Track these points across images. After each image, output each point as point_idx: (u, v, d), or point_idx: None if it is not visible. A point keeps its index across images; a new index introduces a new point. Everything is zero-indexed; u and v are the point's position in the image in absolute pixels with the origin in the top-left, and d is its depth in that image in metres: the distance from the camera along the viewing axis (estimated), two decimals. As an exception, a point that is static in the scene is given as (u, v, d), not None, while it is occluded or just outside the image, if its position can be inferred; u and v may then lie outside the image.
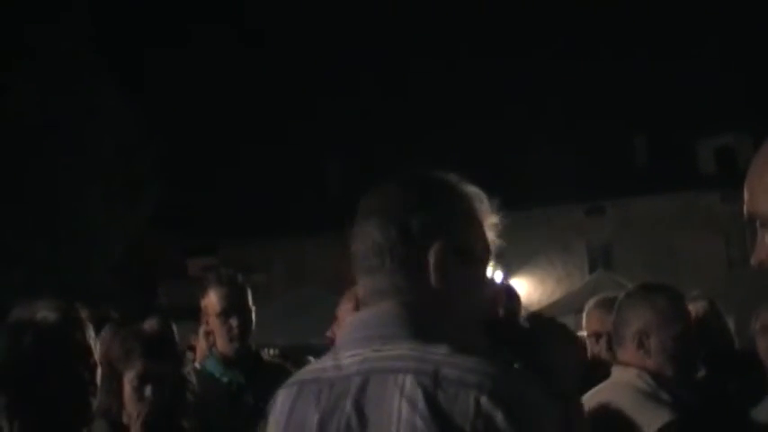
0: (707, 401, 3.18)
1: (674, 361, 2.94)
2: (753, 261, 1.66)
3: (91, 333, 2.47)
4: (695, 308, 4.48)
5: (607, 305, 4.13)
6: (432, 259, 1.72)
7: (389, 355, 1.65)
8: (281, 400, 1.78)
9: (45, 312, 2.41)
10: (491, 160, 28.27)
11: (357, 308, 3.49)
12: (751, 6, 34.78)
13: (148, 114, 25.97)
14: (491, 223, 1.83)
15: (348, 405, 1.65)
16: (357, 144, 35.37)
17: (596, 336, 4.22)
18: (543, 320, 2.03)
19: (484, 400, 1.56)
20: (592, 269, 30.16)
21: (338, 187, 36.60)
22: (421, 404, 1.57)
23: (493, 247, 1.83)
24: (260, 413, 3.54)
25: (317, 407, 1.69)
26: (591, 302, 4.42)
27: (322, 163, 36.96)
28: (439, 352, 1.63)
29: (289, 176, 35.42)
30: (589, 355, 4.25)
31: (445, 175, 1.83)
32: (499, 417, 1.55)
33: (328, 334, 3.87)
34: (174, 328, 6.20)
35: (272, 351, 15.73)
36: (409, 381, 1.60)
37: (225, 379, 3.84)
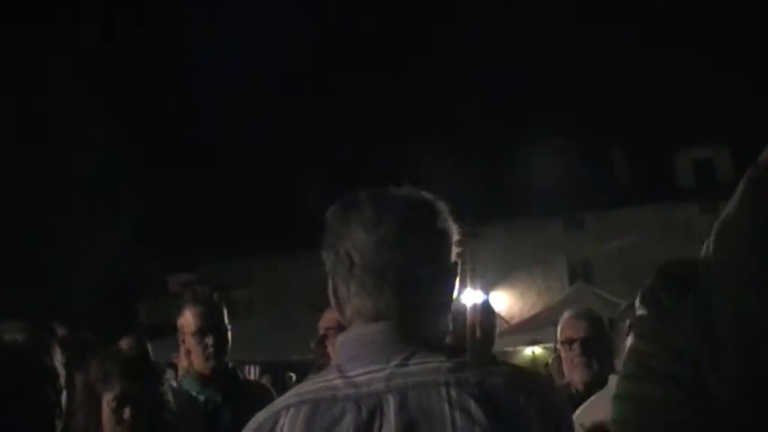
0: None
1: None
2: None
3: (58, 356, 2.46)
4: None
5: (580, 314, 4.40)
6: (416, 278, 1.73)
7: (422, 368, 1.66)
8: (289, 421, 1.71)
9: (12, 334, 2.39)
10: (470, 175, 28.35)
11: (335, 327, 3.51)
12: (729, 20, 35.07)
13: (128, 132, 25.92)
14: (457, 238, 1.85)
15: (389, 422, 1.63)
16: (336, 159, 35.37)
17: (570, 342, 4.29)
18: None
19: (536, 403, 1.62)
20: (571, 282, 30.23)
21: (318, 203, 36.55)
22: (476, 413, 1.59)
23: (459, 262, 1.85)
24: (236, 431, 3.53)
25: (342, 427, 1.65)
26: (565, 314, 4.51)
27: (301, 178, 36.94)
28: (468, 362, 1.66)
29: (268, 192, 35.38)
30: (563, 360, 4.34)
31: (417, 192, 1.86)
32: (550, 419, 1.63)
33: (312, 346, 3.87)
34: (152, 345, 6.17)
35: (252, 367, 15.73)
36: (455, 392, 1.61)
37: (201, 397, 3.83)
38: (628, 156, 35.69)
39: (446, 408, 1.60)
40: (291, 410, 1.72)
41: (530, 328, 20.00)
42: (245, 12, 40.43)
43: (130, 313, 27.71)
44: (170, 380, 4.26)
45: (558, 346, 4.51)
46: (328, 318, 3.62)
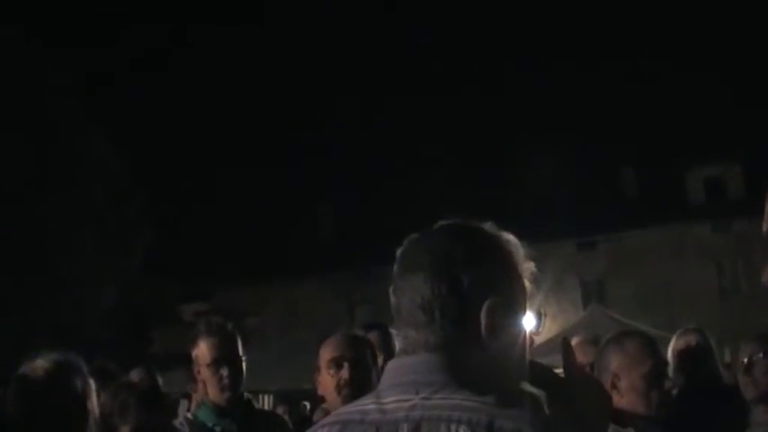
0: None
1: (645, 398, 3.07)
2: (764, 278, 1.66)
3: (89, 385, 2.47)
4: (687, 340, 4.54)
5: (589, 339, 4.55)
6: (481, 315, 1.73)
7: (442, 404, 1.66)
8: None
9: (46, 365, 2.43)
10: (482, 199, 28.36)
11: (335, 358, 3.51)
12: (739, 38, 35.12)
13: (138, 161, 26.07)
14: (528, 271, 1.86)
15: None
16: (348, 186, 35.46)
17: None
18: (580, 371, 2.06)
19: None
20: (585, 304, 30.16)
21: (330, 230, 36.62)
22: None
23: (529, 295, 1.85)
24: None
25: None
26: (575, 340, 4.54)
27: (314, 206, 37.02)
28: (491, 403, 1.65)
29: (281, 220, 35.48)
30: None
31: (485, 225, 1.86)
32: None
33: (316, 387, 3.85)
34: (167, 375, 6.15)
35: (266, 397, 15.68)
36: (462, 430, 1.61)
37: (217, 429, 3.82)
38: (637, 175, 35.67)
39: None
40: (326, 428, 1.78)
41: (545, 353, 19.91)
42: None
43: (145, 343, 27.72)
44: (185, 411, 4.25)
45: None
46: (327, 351, 3.61)
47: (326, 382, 3.53)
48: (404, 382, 1.73)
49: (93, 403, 2.47)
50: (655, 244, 33.29)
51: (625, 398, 3.06)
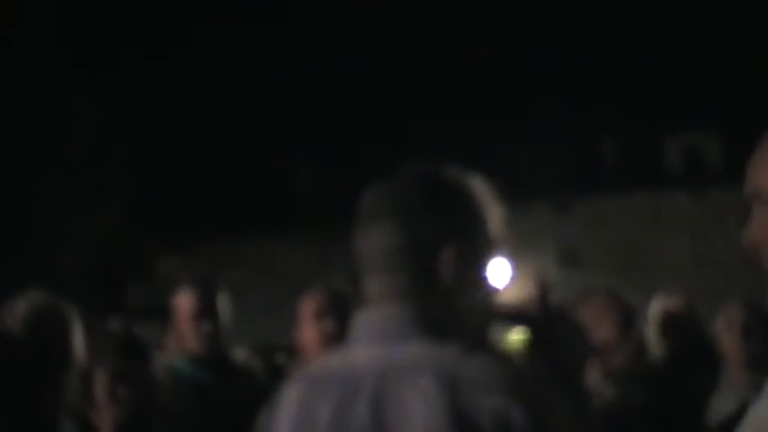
0: (661, 397, 3.28)
1: (618, 350, 3.14)
2: (744, 240, 1.65)
3: (76, 330, 2.46)
4: (669, 303, 4.57)
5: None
6: (444, 261, 1.72)
7: (405, 355, 1.65)
8: (291, 395, 1.77)
9: (24, 310, 2.41)
10: (457, 160, 28.32)
11: (319, 309, 3.51)
12: (719, 8, 35.04)
13: (118, 114, 25.82)
14: (497, 215, 1.84)
15: (362, 403, 1.64)
16: (328, 142, 35.31)
17: None
18: (559, 311, 2.08)
19: (502, 399, 1.57)
20: (560, 267, 30.30)
21: (309, 186, 36.57)
22: (439, 404, 1.57)
23: (499, 239, 1.83)
24: (228, 414, 3.54)
25: (327, 403, 1.68)
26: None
27: (292, 162, 36.87)
28: (454, 352, 1.63)
29: (260, 175, 35.32)
30: None
31: (451, 171, 1.83)
32: (516, 416, 1.56)
33: (295, 337, 3.86)
34: (141, 327, 6.15)
35: (241, 350, 15.72)
36: (425, 381, 1.60)
37: (194, 379, 3.83)
38: (617, 141, 35.72)
39: (412, 395, 1.60)
40: (295, 384, 1.78)
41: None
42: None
43: (119, 294, 27.64)
44: (162, 359, 4.26)
45: None
46: (309, 303, 3.60)
47: (309, 334, 3.52)
48: (370, 333, 1.73)
49: (77, 350, 2.46)
50: (631, 209, 33.43)
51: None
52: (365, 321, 1.77)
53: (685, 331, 4.42)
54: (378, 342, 1.70)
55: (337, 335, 3.42)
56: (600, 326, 3.13)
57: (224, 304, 3.93)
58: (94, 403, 2.97)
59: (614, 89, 34.50)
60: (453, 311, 1.72)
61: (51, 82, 23.93)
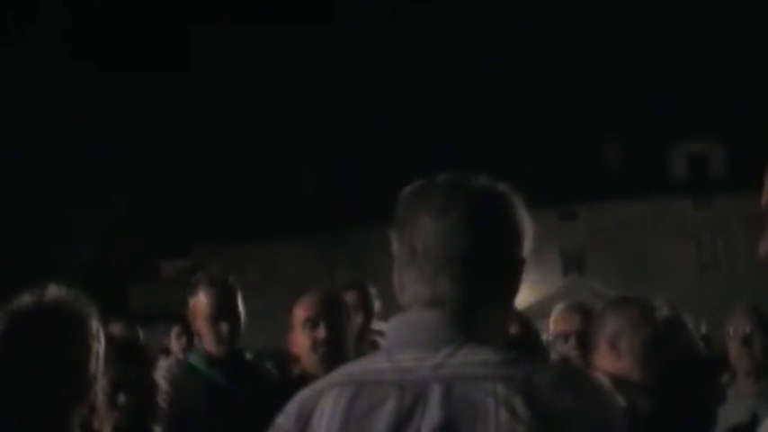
0: (666, 410, 3.25)
1: (643, 366, 3.02)
2: (760, 251, 1.65)
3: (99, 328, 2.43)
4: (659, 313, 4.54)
5: (573, 307, 4.38)
6: (477, 269, 1.70)
7: (470, 361, 1.62)
8: (332, 400, 1.67)
9: (53, 297, 2.37)
10: (465, 168, 28.29)
11: (311, 318, 3.46)
12: (726, 13, 35.06)
13: (122, 116, 25.83)
14: (530, 231, 1.83)
15: (432, 411, 1.59)
16: (331, 147, 35.33)
17: (565, 336, 4.28)
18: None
19: (578, 402, 1.58)
20: (565, 274, 30.28)
21: (312, 190, 36.57)
22: (520, 410, 1.55)
23: (528, 255, 1.82)
24: (239, 412, 3.52)
25: (383, 411, 1.62)
26: (558, 307, 4.50)
27: (296, 165, 36.88)
28: (519, 358, 1.63)
29: (263, 179, 35.34)
30: (558, 355, 4.31)
31: (492, 182, 1.82)
32: (593, 417, 1.59)
33: (290, 346, 3.82)
34: (145, 331, 6.13)
35: (247, 354, 15.72)
36: (501, 387, 1.57)
37: (207, 375, 3.82)
38: (622, 148, 35.72)
39: (491, 402, 1.56)
40: (336, 390, 1.69)
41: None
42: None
43: (121, 297, 27.66)
44: (177, 354, 4.22)
45: (550, 338, 4.49)
46: (301, 310, 3.55)
47: (302, 341, 3.49)
48: (418, 338, 1.67)
49: (98, 348, 2.43)
50: (636, 217, 33.44)
51: (622, 360, 3.03)
52: (410, 325, 1.72)
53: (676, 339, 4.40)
54: (428, 347, 1.66)
55: (329, 341, 3.41)
56: (631, 336, 3.10)
57: (241, 305, 3.92)
58: (95, 408, 2.95)
59: (619, 98, 34.52)
60: (499, 321, 1.74)
61: (54, 83, 23.96)
